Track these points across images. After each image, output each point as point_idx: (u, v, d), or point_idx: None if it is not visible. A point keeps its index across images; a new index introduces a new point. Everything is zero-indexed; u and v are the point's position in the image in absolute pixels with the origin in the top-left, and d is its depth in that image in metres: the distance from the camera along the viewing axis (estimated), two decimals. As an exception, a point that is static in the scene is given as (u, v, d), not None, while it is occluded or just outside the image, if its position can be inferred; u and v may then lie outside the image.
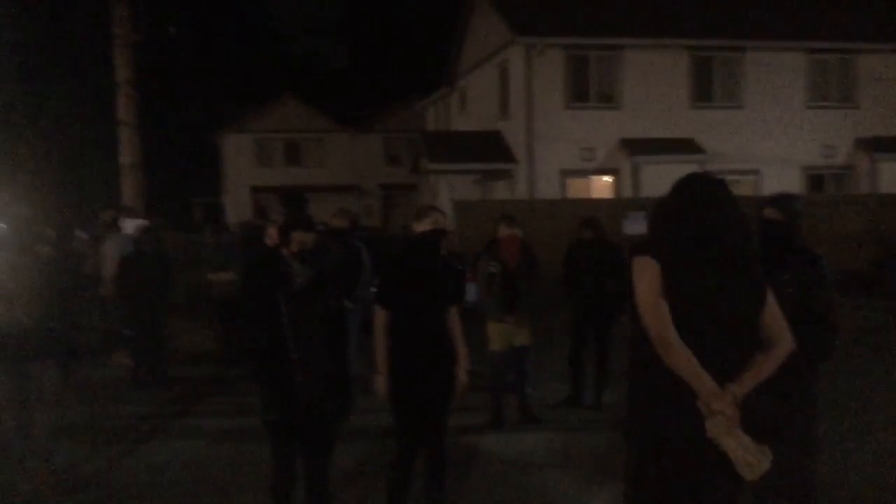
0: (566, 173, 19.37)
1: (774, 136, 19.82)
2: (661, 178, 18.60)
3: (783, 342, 3.00)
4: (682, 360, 2.81)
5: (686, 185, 3.09)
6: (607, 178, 19.80)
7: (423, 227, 4.51)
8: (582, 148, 19.46)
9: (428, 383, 4.46)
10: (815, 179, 20.59)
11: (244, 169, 37.19)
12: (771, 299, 3.02)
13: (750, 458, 2.71)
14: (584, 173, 19.65)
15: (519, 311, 6.75)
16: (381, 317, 4.51)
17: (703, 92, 19.89)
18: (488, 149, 20.76)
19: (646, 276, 2.90)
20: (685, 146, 19.24)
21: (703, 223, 2.93)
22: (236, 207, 35.13)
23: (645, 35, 19.40)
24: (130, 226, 11.30)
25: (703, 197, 3.00)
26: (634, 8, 19.57)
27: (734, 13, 19.87)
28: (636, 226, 15.21)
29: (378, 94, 41.43)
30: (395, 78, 43.43)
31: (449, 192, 21.93)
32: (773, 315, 3.01)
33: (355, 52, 55.16)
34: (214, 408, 7.62)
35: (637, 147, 19.12)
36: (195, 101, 39.17)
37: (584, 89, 19.59)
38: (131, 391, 8.22)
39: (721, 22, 19.69)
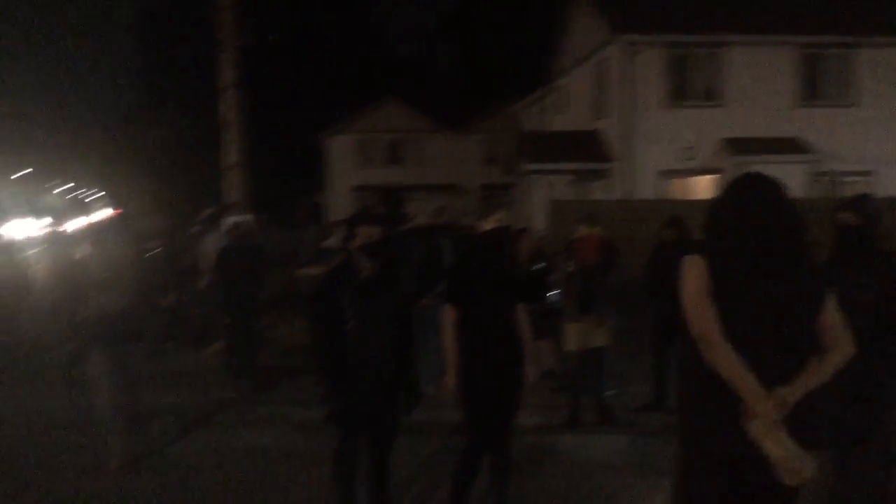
0: (665, 173, 18.94)
1: (890, 134, 18.77)
2: (765, 178, 18.00)
3: (841, 349, 2.87)
4: (724, 358, 2.75)
5: (739, 185, 3.03)
6: (709, 179, 19.22)
7: (488, 225, 4.55)
8: (682, 147, 18.99)
9: (495, 381, 4.47)
10: (937, 180, 19.36)
11: (347, 169, 38.10)
12: (831, 303, 2.90)
13: (793, 463, 2.62)
14: (685, 173, 19.15)
15: (597, 312, 6.66)
16: (448, 315, 4.56)
17: (811, 89, 19.08)
18: (584, 148, 20.54)
19: (692, 276, 2.87)
20: (791, 146, 18.50)
21: (754, 224, 2.86)
22: (338, 206, 36.00)
23: (750, 31, 18.76)
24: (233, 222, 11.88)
25: (755, 197, 2.92)
26: (738, 4, 18.93)
27: (846, 8, 18.95)
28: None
29: (479, 96, 41.61)
30: (495, 79, 43.47)
31: (544, 192, 21.80)
32: (832, 319, 2.89)
33: (458, 55, 55.56)
34: (299, 397, 7.84)
35: (740, 146, 18.50)
36: (302, 103, 40.36)
37: (685, 87, 19.11)
38: (224, 379, 8.57)
39: (832, 17, 18.82)
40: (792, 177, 17.68)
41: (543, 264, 8.21)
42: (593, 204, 16.37)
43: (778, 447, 2.63)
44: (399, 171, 37.84)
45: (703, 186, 19.15)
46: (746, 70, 18.79)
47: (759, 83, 18.76)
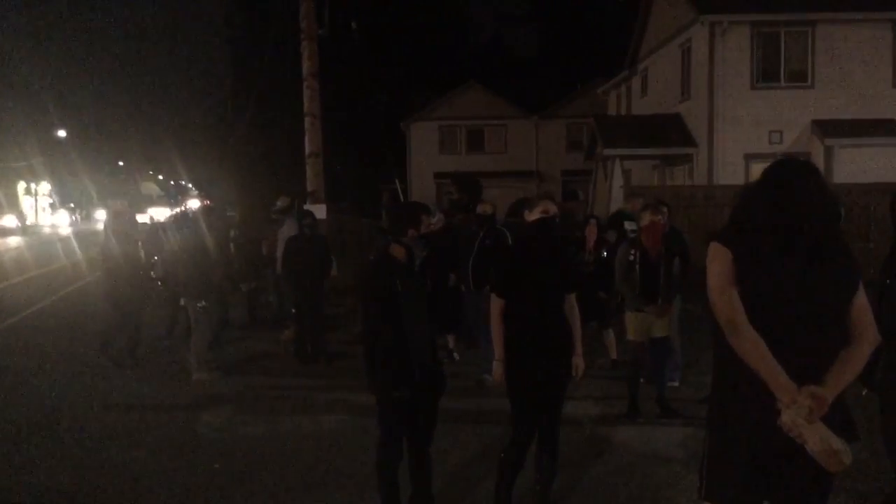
0: (750, 157, 18.35)
1: None
2: (858, 162, 17.27)
3: (868, 338, 2.80)
4: (750, 345, 2.70)
5: (771, 172, 2.93)
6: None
7: (533, 216, 4.53)
8: (769, 130, 18.36)
9: (541, 373, 4.47)
10: None
11: (428, 155, 38.30)
12: (861, 292, 2.81)
13: (832, 450, 2.57)
14: (771, 157, 18.34)
15: (660, 301, 6.55)
16: (496, 304, 4.58)
17: (907, 68, 18.08)
18: (666, 133, 20.09)
19: (717, 262, 2.82)
20: (886, 128, 17.60)
21: (784, 211, 2.77)
22: (420, 192, 36.27)
23: (840, 9, 17.91)
24: (317, 210, 12.26)
25: (786, 184, 2.83)
26: (829, -21, 18.14)
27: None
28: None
29: (562, 80, 41.12)
30: (579, 64, 42.85)
31: (623, 177, 21.43)
32: (861, 308, 2.81)
33: (542, 39, 54.99)
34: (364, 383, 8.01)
35: (831, 129, 17.75)
36: (385, 90, 40.76)
37: (772, 68, 18.46)
38: (294, 365, 8.83)
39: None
40: (886, 159, 16.88)
41: (605, 253, 8.15)
42: (674, 190, 16.01)
43: (816, 434, 2.58)
44: (481, 157, 37.77)
45: (791, 171, 18.45)
46: (836, 49, 17.99)
47: (850, 63, 17.93)
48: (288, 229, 10.60)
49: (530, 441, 4.52)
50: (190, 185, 45.95)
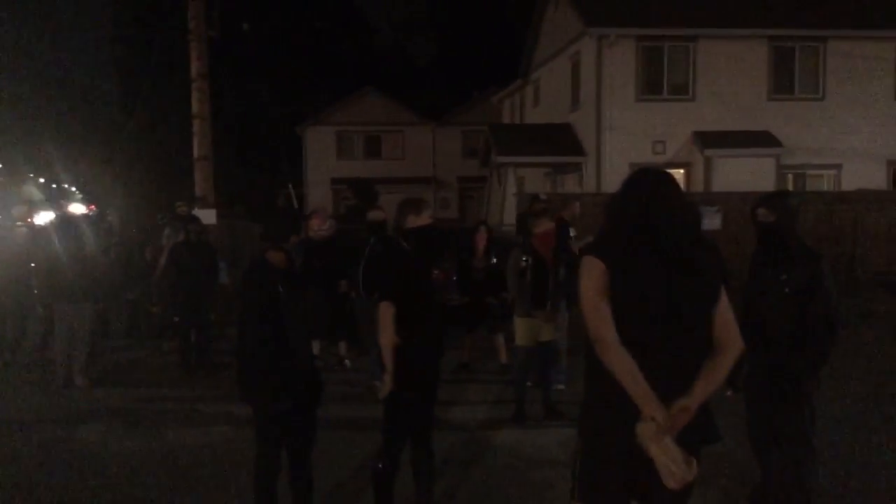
0: (636, 167, 18.83)
1: (858, 128, 18.94)
2: (735, 171, 18.14)
3: (732, 346, 2.88)
4: (617, 360, 2.76)
5: (630, 182, 2.99)
6: (679, 172, 19.30)
7: (416, 222, 4.52)
8: (653, 141, 19.06)
9: (424, 376, 4.47)
10: (903, 174, 19.57)
11: (326, 161, 37.96)
12: (724, 299, 2.91)
13: (673, 467, 2.66)
14: (655, 167, 19.15)
15: (547, 307, 6.68)
16: (384, 310, 4.53)
17: (781, 83, 19.18)
18: (557, 141, 20.57)
19: (589, 278, 2.84)
20: (761, 139, 18.60)
21: (644, 220, 2.84)
22: (317, 198, 35.87)
23: (721, 25, 18.82)
24: (207, 216, 11.91)
25: (645, 193, 2.89)
26: (709, -2, 19.03)
27: (816, 2, 19.05)
28: (707, 221, 14.81)
29: (459, 88, 41.57)
30: (476, 72, 43.41)
31: (516, 185, 21.83)
32: (725, 317, 2.90)
33: (440, 47, 55.38)
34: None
35: (710, 140, 18.60)
36: (281, 94, 40.12)
37: (656, 81, 19.17)
38: (179, 376, 8.55)
39: (802, 11, 18.91)
40: (762, 170, 17.83)
41: (494, 260, 8.25)
42: (565, 197, 16.38)
43: (661, 452, 2.66)
44: (378, 163, 37.74)
45: (674, 180, 19.20)
46: (717, 64, 18.86)
47: (729, 77, 18.84)
48: (170, 235, 10.36)
49: (402, 448, 4.47)
50: (73, 189, 43.89)
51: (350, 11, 51.22)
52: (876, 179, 18.79)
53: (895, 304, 13.00)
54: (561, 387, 7.45)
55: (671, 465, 2.66)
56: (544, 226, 6.76)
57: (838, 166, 18.95)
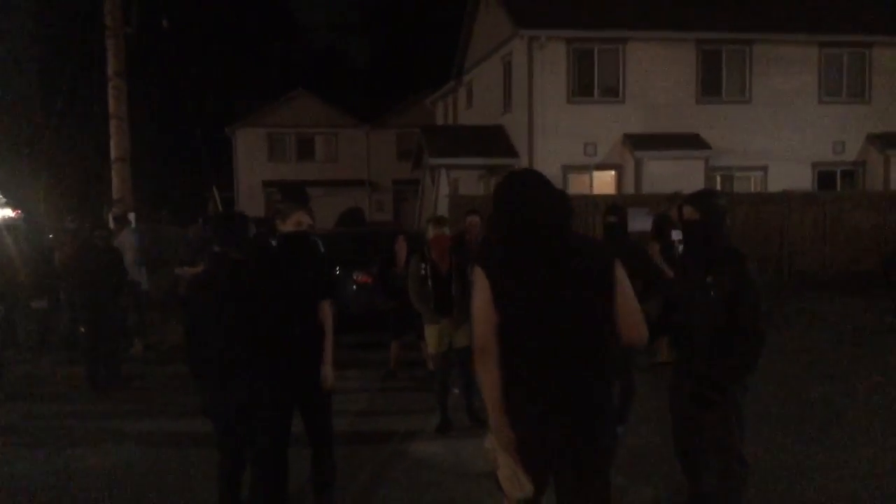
0: (567, 168, 18.99)
1: (784, 131, 19.32)
2: (664, 173, 18.28)
3: (637, 336, 2.90)
4: (487, 376, 2.85)
5: (499, 187, 2.97)
6: (610, 174, 19.39)
7: (286, 227, 4.38)
8: (584, 143, 19.09)
9: (297, 384, 4.31)
10: (826, 176, 20.02)
11: (257, 163, 37.19)
12: (623, 293, 2.84)
13: (507, 483, 2.89)
14: (586, 169, 19.24)
15: (454, 313, 6.45)
16: None
17: (709, 86, 19.41)
18: (490, 143, 20.46)
19: (476, 288, 2.86)
20: (690, 141, 18.80)
21: (512, 224, 2.84)
22: (248, 201, 35.12)
23: (650, 28, 18.96)
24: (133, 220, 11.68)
25: (510, 197, 2.89)
26: (638, 1, 19.13)
27: (743, 5, 19.40)
28: (638, 223, 14.83)
29: (393, 90, 41.29)
30: (410, 74, 43.29)
31: (449, 186, 21.64)
32: (625, 307, 2.85)
33: (374, 49, 55.10)
34: (165, 409, 7.39)
35: (640, 142, 18.71)
36: (209, 95, 39.19)
37: (587, 83, 19.20)
38: (85, 390, 8.03)
39: (729, 14, 19.21)
40: (692, 172, 18.00)
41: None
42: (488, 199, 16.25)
43: (503, 463, 2.90)
44: (311, 166, 37.14)
45: (605, 182, 19.31)
46: (647, 66, 18.98)
47: (659, 79, 18.99)
48: (126, 236, 10.32)
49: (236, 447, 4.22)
50: None
51: (283, 13, 50.56)
52: (801, 181, 19.19)
53: (824, 304, 13.17)
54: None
55: (506, 480, 2.90)
56: (433, 233, 6.57)
57: (765, 168, 19.28)
